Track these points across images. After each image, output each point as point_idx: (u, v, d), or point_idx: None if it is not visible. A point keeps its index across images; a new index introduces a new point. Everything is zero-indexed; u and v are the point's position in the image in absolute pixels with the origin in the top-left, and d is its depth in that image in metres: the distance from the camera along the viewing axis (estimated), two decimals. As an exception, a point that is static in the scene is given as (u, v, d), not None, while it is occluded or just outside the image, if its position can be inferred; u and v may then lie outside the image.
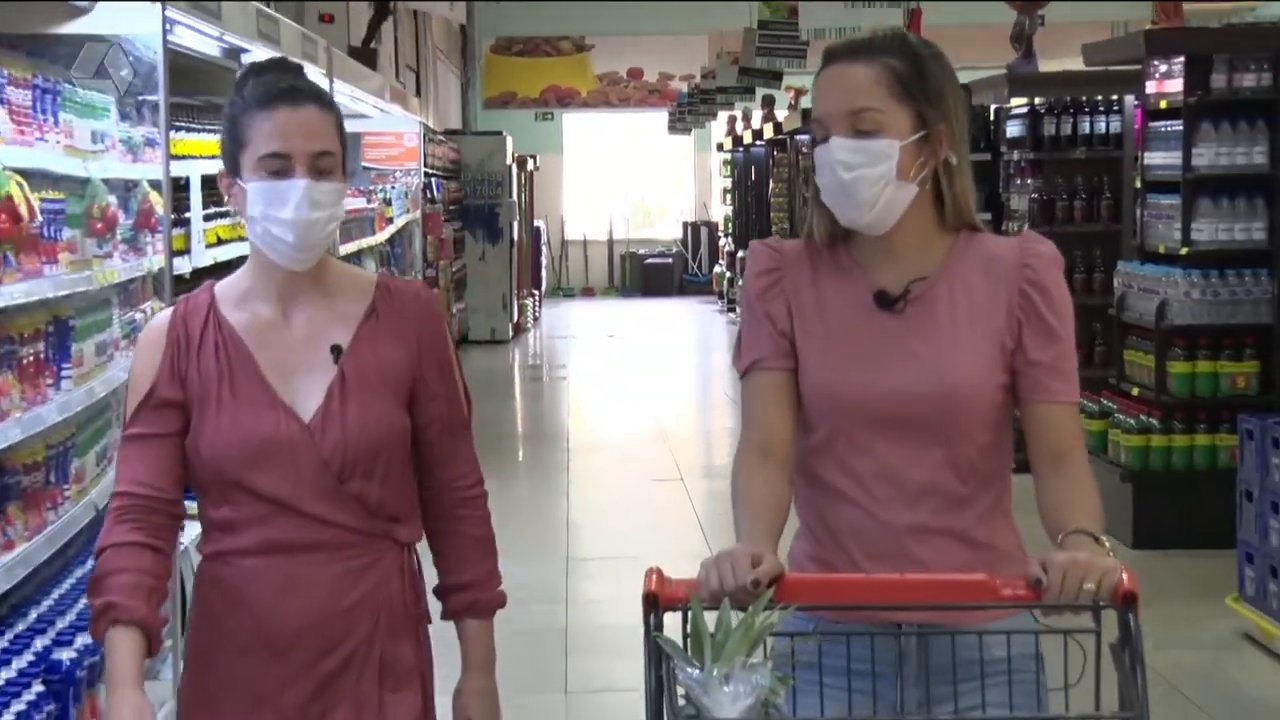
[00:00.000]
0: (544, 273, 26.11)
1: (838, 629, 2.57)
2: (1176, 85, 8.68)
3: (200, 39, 5.09)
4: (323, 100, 2.83)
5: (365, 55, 11.49)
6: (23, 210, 3.64)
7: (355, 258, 9.08)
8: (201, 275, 5.08)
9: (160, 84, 4.46)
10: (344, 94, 8.55)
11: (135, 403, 2.83)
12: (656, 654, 2.28)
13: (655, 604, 2.35)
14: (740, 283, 22.02)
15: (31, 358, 3.88)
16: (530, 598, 7.80)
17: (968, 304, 2.69)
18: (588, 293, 28.34)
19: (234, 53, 5.78)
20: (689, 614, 2.25)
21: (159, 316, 2.92)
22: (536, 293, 23.99)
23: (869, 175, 2.60)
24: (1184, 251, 8.59)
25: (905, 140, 2.62)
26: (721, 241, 26.07)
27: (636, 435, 13.06)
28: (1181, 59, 8.65)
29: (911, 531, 2.64)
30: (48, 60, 4.20)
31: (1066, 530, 2.52)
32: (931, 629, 2.59)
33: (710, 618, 2.25)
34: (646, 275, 28.12)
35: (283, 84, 2.82)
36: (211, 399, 2.80)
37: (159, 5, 4.29)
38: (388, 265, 10.48)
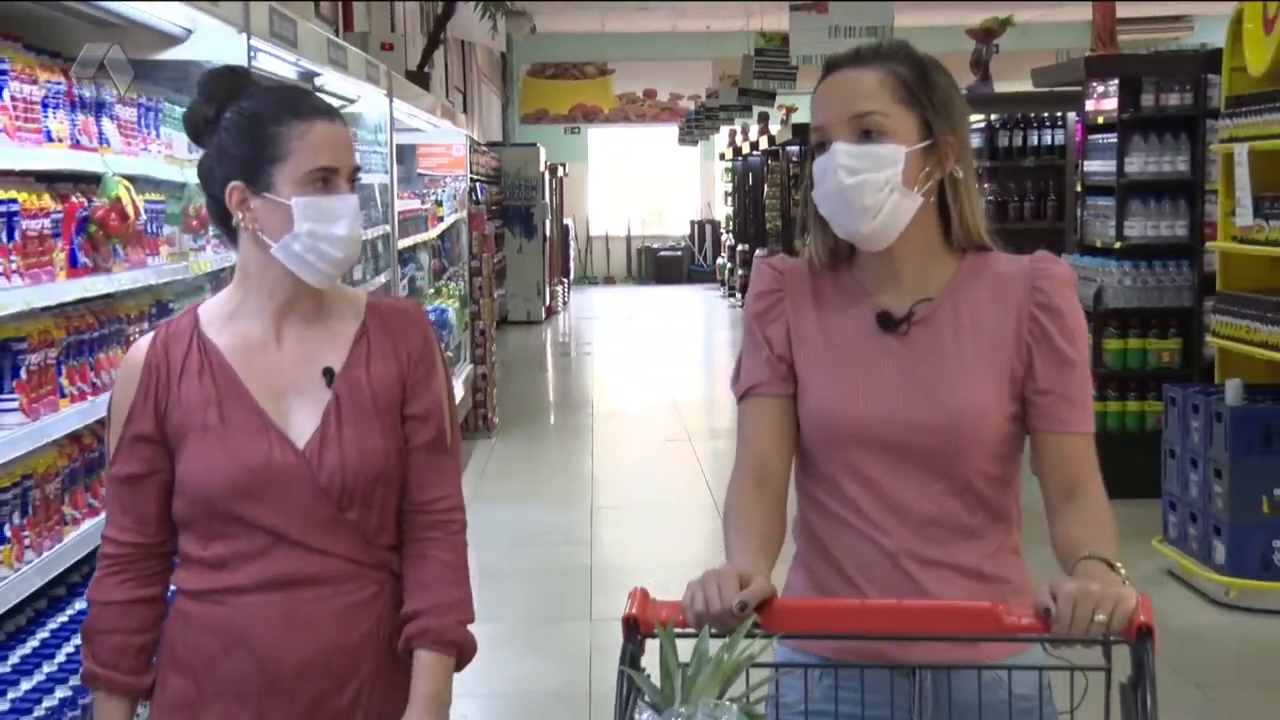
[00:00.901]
0: (572, 263, 26.08)
1: (829, 664, 2.12)
2: (1112, 104, 8.66)
3: (280, 64, 5.08)
4: (341, 117, 2.37)
5: (420, 78, 11.44)
6: (130, 210, 3.64)
7: (411, 251, 9.07)
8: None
9: (246, 103, 4.44)
10: (402, 111, 8.53)
11: (114, 438, 2.35)
12: (628, 685, 1.80)
13: (635, 629, 1.87)
14: (739, 272, 22.02)
15: (137, 335, 3.89)
16: (560, 541, 7.87)
17: (974, 327, 2.19)
18: (609, 281, 28.30)
19: (308, 76, 5.77)
20: (661, 643, 1.79)
21: (138, 344, 2.39)
22: (565, 280, 23.98)
23: (873, 180, 2.10)
24: (1118, 245, 8.57)
25: (911, 147, 2.13)
26: (724, 237, 26.06)
27: (651, 402, 13.02)
28: (1116, 81, 8.63)
29: (916, 561, 2.16)
30: (150, 82, 4.19)
31: (1080, 556, 2.04)
32: (931, 665, 2.04)
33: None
34: (659, 266, 28.07)
35: (306, 98, 2.36)
36: (197, 427, 2.29)
37: (244, 35, 4.28)
38: (439, 257, 10.49)
